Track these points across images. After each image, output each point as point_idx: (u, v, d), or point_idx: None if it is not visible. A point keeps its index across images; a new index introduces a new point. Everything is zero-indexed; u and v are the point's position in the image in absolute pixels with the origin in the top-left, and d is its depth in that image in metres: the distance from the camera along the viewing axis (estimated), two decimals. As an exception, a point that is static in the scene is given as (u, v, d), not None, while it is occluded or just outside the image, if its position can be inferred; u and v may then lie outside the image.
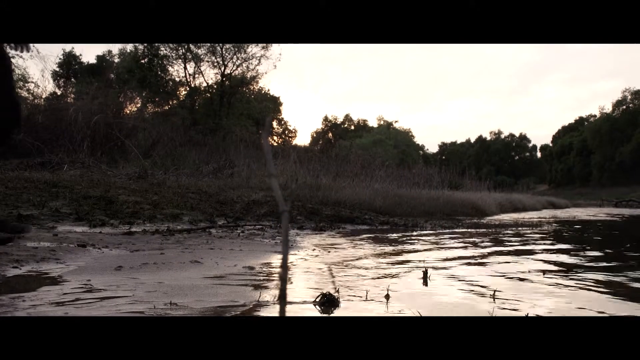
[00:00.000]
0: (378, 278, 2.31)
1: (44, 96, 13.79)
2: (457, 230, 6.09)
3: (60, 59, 29.92)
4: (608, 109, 78.58)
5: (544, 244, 4.40)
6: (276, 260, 2.86)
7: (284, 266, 0.56)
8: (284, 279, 0.56)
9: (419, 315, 1.50)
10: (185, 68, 27.05)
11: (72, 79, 26.22)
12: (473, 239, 4.69)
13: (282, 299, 0.55)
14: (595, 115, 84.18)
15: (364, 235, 4.93)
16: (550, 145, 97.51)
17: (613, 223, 9.22)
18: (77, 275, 2.11)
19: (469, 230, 6.11)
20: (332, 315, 1.55)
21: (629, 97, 75.40)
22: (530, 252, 3.67)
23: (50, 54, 32.85)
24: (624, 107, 75.35)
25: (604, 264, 3.06)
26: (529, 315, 1.56)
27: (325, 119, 77.76)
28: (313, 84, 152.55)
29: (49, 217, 4.11)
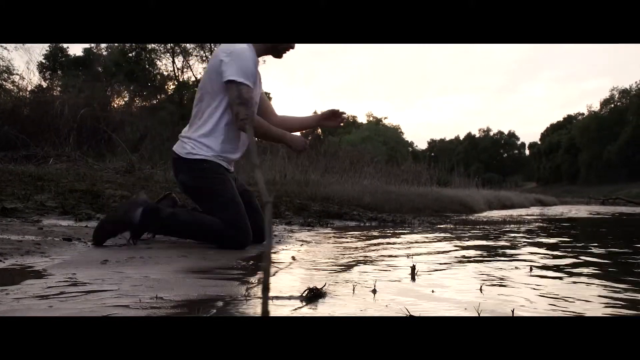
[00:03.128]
0: (365, 273, 2.31)
1: (29, 88, 13.63)
2: (445, 226, 6.11)
3: (46, 51, 29.41)
4: (596, 107, 79.45)
5: (532, 240, 4.43)
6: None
7: (267, 258, 0.56)
8: (267, 271, 0.55)
9: (407, 314, 1.51)
10: (173, 62, 26.91)
11: (59, 72, 25.83)
12: (461, 235, 4.71)
13: (265, 291, 0.55)
14: (583, 114, 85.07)
15: (352, 231, 4.93)
16: (539, 143, 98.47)
17: (600, 220, 9.33)
18: (62, 268, 2.09)
19: (457, 226, 6.14)
20: (318, 310, 1.54)
21: (617, 95, 76.20)
22: (518, 248, 3.69)
23: (35, 45, 32.30)
24: (612, 105, 76.14)
25: (592, 259, 3.09)
26: (514, 313, 1.56)
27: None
28: (303, 80, 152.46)
29: (34, 211, 4.06)
